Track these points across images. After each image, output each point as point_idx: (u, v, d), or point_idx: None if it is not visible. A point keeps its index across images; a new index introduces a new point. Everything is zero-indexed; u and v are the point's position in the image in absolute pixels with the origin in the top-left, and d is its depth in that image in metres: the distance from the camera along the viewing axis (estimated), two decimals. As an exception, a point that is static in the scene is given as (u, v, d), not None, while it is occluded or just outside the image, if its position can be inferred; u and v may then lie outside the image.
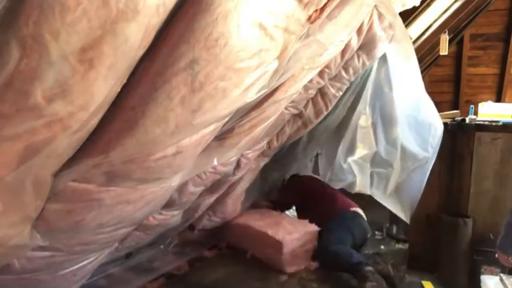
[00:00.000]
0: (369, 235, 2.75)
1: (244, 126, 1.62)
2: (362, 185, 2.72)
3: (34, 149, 0.80)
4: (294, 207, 3.26)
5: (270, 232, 2.41)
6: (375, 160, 2.68)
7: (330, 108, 2.40)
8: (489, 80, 5.16)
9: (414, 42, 3.26)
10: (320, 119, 2.45)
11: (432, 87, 2.84)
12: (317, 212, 2.75)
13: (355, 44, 1.82)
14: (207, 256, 2.71)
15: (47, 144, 0.80)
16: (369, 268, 2.10)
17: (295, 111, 2.23)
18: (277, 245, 2.32)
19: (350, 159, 2.75)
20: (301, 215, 3.03)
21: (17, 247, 1.10)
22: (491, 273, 2.06)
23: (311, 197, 2.92)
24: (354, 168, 2.74)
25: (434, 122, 2.31)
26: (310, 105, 2.34)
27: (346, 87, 2.31)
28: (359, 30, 1.75)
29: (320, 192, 2.93)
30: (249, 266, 2.51)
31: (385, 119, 2.57)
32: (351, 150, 2.76)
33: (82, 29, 0.66)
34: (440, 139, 2.26)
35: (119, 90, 0.86)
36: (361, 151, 2.73)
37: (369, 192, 2.69)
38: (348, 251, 2.34)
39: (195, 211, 2.38)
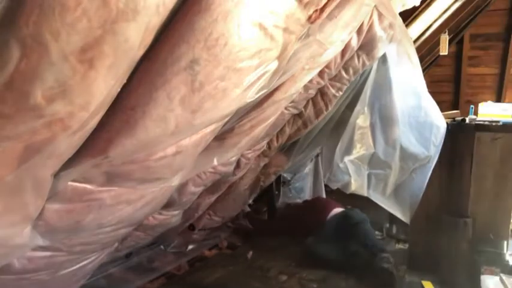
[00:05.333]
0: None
1: (244, 126, 1.62)
2: (358, 186, 2.72)
3: (34, 149, 0.79)
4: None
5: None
6: (373, 161, 2.67)
7: (330, 108, 2.40)
8: (489, 80, 5.16)
9: (414, 42, 3.25)
10: (320, 119, 2.45)
11: (432, 87, 2.82)
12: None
13: (355, 44, 1.81)
14: (207, 256, 2.71)
15: (47, 144, 0.80)
16: (387, 255, 2.22)
17: (295, 111, 2.23)
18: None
19: (346, 159, 2.74)
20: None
21: (17, 247, 1.10)
22: (491, 273, 2.05)
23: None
24: (350, 168, 2.74)
25: (437, 121, 2.31)
26: (310, 105, 2.34)
27: (346, 87, 2.30)
28: (359, 30, 1.75)
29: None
30: (249, 266, 2.51)
31: (384, 120, 2.57)
32: (348, 149, 2.75)
33: (82, 29, 0.66)
34: (443, 138, 2.26)
35: (119, 90, 0.86)
36: (358, 151, 2.73)
37: (366, 194, 2.69)
38: (376, 238, 2.49)
39: (195, 211, 2.38)
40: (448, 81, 5.35)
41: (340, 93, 2.32)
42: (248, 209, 3.39)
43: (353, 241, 2.42)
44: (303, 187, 3.67)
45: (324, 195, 3.52)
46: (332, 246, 2.47)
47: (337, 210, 2.84)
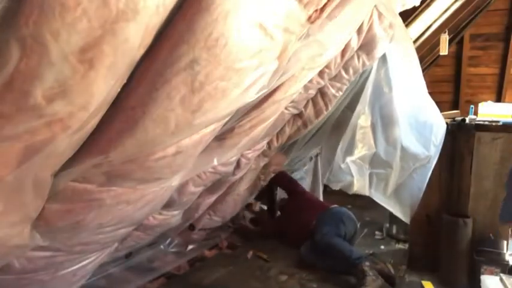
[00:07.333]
0: (358, 226, 2.84)
1: (244, 126, 1.62)
2: (361, 186, 2.72)
3: (34, 149, 0.80)
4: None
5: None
6: (374, 161, 2.67)
7: (330, 108, 2.40)
8: (489, 80, 5.16)
9: (414, 42, 3.25)
10: (320, 119, 2.45)
11: (432, 87, 2.82)
12: (300, 209, 2.86)
13: (355, 44, 1.81)
14: (207, 256, 2.71)
15: (47, 144, 0.80)
16: (367, 264, 2.14)
17: (295, 111, 2.23)
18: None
19: (348, 159, 2.74)
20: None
21: (17, 247, 1.10)
22: (491, 273, 2.05)
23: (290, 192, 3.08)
24: (352, 169, 2.74)
25: (437, 121, 2.30)
26: (310, 105, 2.33)
27: (346, 87, 2.30)
28: (359, 30, 1.74)
29: (297, 190, 3.09)
30: (249, 266, 2.51)
31: (384, 120, 2.57)
32: (349, 150, 2.75)
33: (82, 29, 0.66)
34: (443, 138, 2.26)
35: (119, 90, 0.86)
36: (360, 151, 2.73)
37: (367, 194, 2.69)
38: (348, 246, 2.39)
39: (195, 211, 2.38)
40: (448, 81, 5.35)
41: (340, 93, 2.32)
42: (252, 215, 3.39)
43: (332, 260, 2.39)
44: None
45: (321, 195, 3.52)
46: (323, 256, 2.45)
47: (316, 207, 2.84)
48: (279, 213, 3.31)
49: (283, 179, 3.13)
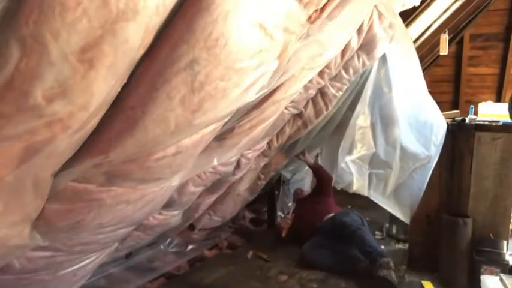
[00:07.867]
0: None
1: (244, 126, 1.62)
2: (360, 185, 2.72)
3: (34, 149, 0.80)
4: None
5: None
6: (374, 161, 2.67)
7: (330, 108, 2.40)
8: (489, 80, 5.16)
9: (414, 42, 3.25)
10: (320, 119, 2.45)
11: (432, 87, 2.83)
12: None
13: (355, 44, 1.81)
14: (207, 256, 2.71)
15: (47, 144, 0.80)
16: (387, 259, 2.16)
17: (295, 111, 2.23)
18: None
19: (348, 159, 2.74)
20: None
21: (17, 247, 1.10)
22: (491, 273, 2.05)
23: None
24: (352, 168, 2.74)
25: (437, 121, 2.30)
26: (310, 105, 2.33)
27: (346, 87, 2.30)
28: (359, 30, 1.74)
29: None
30: (249, 266, 2.51)
31: (384, 120, 2.57)
32: (349, 149, 2.75)
33: (82, 28, 0.66)
34: (444, 137, 2.26)
35: (119, 90, 0.86)
36: (359, 151, 2.73)
37: (366, 194, 2.69)
38: (374, 241, 2.42)
39: (195, 211, 2.38)
40: (448, 81, 5.36)
41: (340, 93, 2.32)
42: (252, 215, 3.38)
43: (350, 247, 2.40)
44: (302, 187, 3.66)
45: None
46: (328, 252, 2.46)
47: (333, 212, 2.81)
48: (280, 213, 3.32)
49: (329, 179, 2.99)
